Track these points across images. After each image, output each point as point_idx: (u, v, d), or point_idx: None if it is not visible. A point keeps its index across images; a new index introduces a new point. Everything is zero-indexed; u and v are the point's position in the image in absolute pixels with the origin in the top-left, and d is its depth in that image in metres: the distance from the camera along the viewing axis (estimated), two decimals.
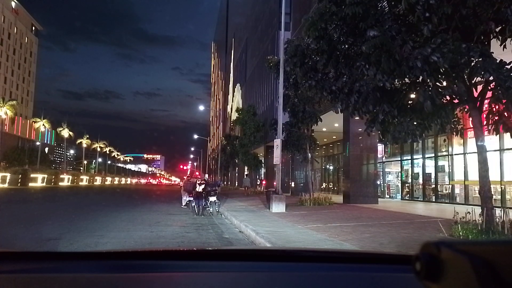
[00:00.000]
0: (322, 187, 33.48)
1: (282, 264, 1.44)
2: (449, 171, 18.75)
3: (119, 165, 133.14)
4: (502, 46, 6.55)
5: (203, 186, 13.78)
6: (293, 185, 31.06)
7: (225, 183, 55.20)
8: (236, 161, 40.84)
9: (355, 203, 17.06)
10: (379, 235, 7.96)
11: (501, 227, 7.05)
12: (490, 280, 0.43)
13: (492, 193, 7.99)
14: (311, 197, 16.68)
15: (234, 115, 42.54)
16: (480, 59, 7.01)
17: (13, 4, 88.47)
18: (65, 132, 79.86)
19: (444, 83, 7.72)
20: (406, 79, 7.71)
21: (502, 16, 6.27)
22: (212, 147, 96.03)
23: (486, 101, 7.67)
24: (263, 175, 41.74)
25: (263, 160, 36.98)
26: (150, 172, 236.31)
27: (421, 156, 20.86)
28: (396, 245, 6.75)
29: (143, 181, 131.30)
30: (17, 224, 9.51)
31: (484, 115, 7.58)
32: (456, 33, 6.72)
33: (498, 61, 7.00)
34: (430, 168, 20.30)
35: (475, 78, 7.59)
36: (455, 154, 18.24)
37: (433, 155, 20.05)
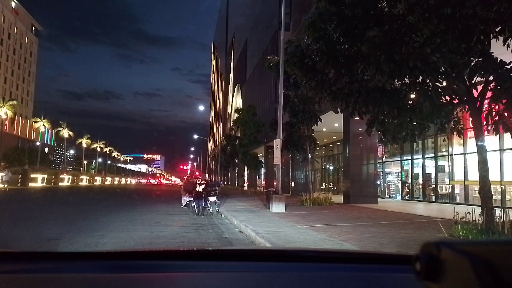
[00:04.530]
0: (322, 187, 33.47)
1: (282, 264, 1.43)
2: (449, 171, 18.75)
3: (119, 165, 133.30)
4: (506, 45, 6.55)
5: (203, 186, 13.78)
6: (293, 185, 31.05)
7: (225, 183, 55.24)
8: (236, 161, 40.83)
9: (355, 203, 17.06)
10: (379, 235, 7.96)
11: (501, 227, 7.05)
12: (490, 280, 0.43)
13: (492, 193, 7.99)
14: (311, 197, 16.68)
15: (234, 115, 42.54)
16: (480, 59, 7.02)
17: (13, 4, 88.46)
18: (65, 132, 79.90)
19: (444, 83, 7.72)
20: (405, 79, 7.71)
21: (502, 16, 6.27)
22: (212, 147, 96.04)
23: (486, 101, 7.67)
24: (263, 175, 41.77)
25: (263, 160, 36.98)
26: (150, 172, 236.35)
27: (421, 156, 20.86)
28: (396, 245, 6.75)
29: (143, 181, 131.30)
30: (17, 224, 9.51)
31: (484, 115, 7.58)
32: (455, 33, 6.72)
33: (498, 61, 7.01)
34: (430, 168, 20.30)
35: (475, 78, 7.60)
36: (455, 154, 18.24)
37: (433, 155, 20.04)
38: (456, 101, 7.96)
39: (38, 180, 40.83)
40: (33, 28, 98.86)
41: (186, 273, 1.32)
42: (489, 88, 7.42)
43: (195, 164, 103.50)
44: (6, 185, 31.12)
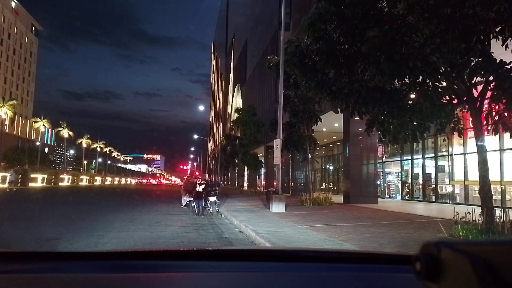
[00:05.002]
0: (322, 187, 33.47)
1: (282, 264, 1.44)
2: (449, 171, 18.75)
3: (119, 165, 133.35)
4: (504, 46, 6.55)
5: (203, 186, 13.78)
6: (293, 185, 31.05)
7: (225, 183, 55.25)
8: (236, 161, 40.84)
9: (355, 203, 17.06)
10: (379, 235, 7.96)
11: (501, 227, 7.05)
12: (490, 280, 0.43)
13: (492, 193, 7.99)
14: (311, 197, 16.67)
15: (234, 115, 42.56)
16: (480, 59, 7.02)
17: (13, 4, 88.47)
18: (65, 132, 79.94)
19: (444, 83, 7.72)
20: (405, 79, 7.71)
21: (502, 16, 6.27)
22: (212, 147, 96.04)
23: (486, 101, 7.67)
24: (263, 175, 41.80)
25: (263, 160, 36.98)
26: (150, 172, 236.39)
27: (421, 156, 20.86)
28: (396, 245, 6.75)
29: (143, 181, 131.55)
30: (17, 224, 9.50)
31: (484, 115, 7.58)
32: (455, 33, 6.72)
33: (498, 61, 7.01)
34: (430, 168, 20.30)
35: (475, 78, 7.60)
36: (455, 154, 18.24)
37: (433, 155, 20.05)
38: (456, 101, 7.96)
39: (38, 180, 40.82)
40: (33, 28, 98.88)
41: (186, 273, 1.32)
42: (489, 88, 7.42)
43: (195, 164, 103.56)
44: (8, 185, 31.13)
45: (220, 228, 9.98)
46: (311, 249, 2.73)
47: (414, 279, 0.52)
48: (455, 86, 7.72)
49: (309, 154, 19.21)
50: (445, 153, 19.20)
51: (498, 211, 7.44)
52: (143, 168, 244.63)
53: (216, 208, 13.58)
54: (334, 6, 7.97)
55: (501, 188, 15.18)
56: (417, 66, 6.93)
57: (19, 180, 35.96)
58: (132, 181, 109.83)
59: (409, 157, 21.82)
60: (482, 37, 6.83)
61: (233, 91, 68.00)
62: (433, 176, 19.89)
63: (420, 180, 20.84)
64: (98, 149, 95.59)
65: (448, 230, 7.62)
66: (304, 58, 9.68)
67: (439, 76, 7.34)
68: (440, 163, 19.65)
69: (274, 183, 18.05)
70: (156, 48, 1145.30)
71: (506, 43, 6.56)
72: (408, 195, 21.84)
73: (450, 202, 17.76)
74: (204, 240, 7.83)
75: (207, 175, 59.60)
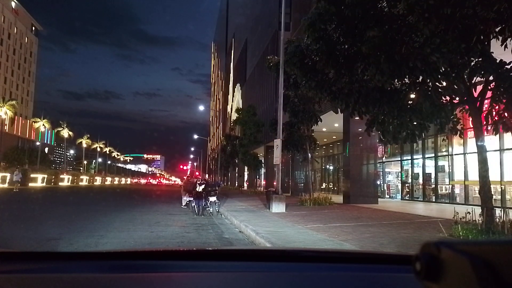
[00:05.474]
0: (322, 187, 33.47)
1: (282, 264, 1.44)
2: (449, 171, 18.74)
3: (119, 165, 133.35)
4: (503, 46, 6.55)
5: (203, 186, 13.78)
6: (293, 185, 31.04)
7: (225, 183, 55.24)
8: (236, 161, 40.84)
9: (355, 203, 17.06)
10: (379, 235, 7.96)
11: (501, 227, 7.05)
12: (490, 280, 0.43)
13: (492, 193, 7.99)
14: (311, 197, 16.67)
15: (234, 115, 42.56)
16: (480, 59, 7.02)
17: (13, 4, 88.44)
18: (65, 132, 79.96)
19: (444, 83, 7.72)
20: (405, 79, 7.72)
21: (502, 16, 6.27)
22: (212, 147, 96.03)
23: (486, 101, 7.67)
24: (263, 175, 41.79)
25: (263, 160, 36.97)
26: (150, 172, 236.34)
27: (421, 156, 20.86)
28: (396, 245, 6.75)
29: (143, 181, 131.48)
30: (17, 224, 9.51)
31: (484, 115, 7.58)
32: (455, 33, 6.72)
33: (498, 61, 7.01)
34: (430, 168, 20.30)
35: (475, 78, 7.60)
36: (455, 154, 18.23)
37: (433, 155, 20.04)
38: (456, 101, 7.96)
39: (38, 180, 40.82)
40: (33, 28, 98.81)
41: (186, 273, 1.32)
42: (489, 88, 7.42)
43: (195, 164, 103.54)
44: (8, 185, 31.09)
45: (220, 228, 9.98)
46: (311, 249, 2.73)
47: (414, 279, 0.52)
48: (455, 86, 7.72)
49: (309, 154, 19.21)
50: (445, 153, 19.19)
51: (498, 211, 7.44)
52: (143, 168, 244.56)
53: (216, 208, 13.58)
54: (334, 6, 7.97)
55: (501, 188, 15.18)
56: (417, 66, 6.93)
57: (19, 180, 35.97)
58: (132, 181, 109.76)
59: (409, 157, 21.82)
60: (482, 37, 6.83)
61: (233, 91, 67.99)
62: (433, 176, 19.89)
63: (420, 180, 20.83)
64: (98, 149, 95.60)
65: (448, 230, 7.62)
66: (304, 58, 9.68)
67: (439, 76, 7.33)
68: (440, 163, 19.65)
69: (274, 183, 18.05)
70: (156, 48, 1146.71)
71: (506, 43, 6.56)
72: (408, 195, 21.84)
73: (450, 202, 17.75)
74: (204, 240, 7.83)
75: (207, 175, 59.65)
